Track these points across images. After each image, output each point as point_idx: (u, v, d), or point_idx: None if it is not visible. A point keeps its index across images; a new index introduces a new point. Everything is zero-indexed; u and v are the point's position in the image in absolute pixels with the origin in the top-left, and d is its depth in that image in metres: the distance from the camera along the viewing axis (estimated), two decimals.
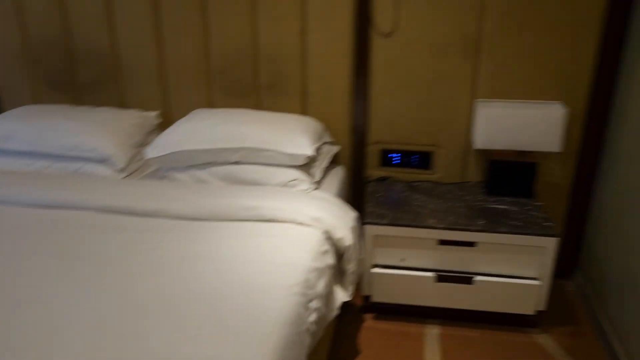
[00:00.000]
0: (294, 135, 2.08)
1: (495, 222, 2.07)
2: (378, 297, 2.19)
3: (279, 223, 1.80)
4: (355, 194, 2.52)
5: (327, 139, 2.36)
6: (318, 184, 2.17)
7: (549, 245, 2.01)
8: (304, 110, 2.42)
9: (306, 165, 2.11)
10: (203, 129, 2.14)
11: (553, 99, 2.23)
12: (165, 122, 2.52)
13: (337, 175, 2.34)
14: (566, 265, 2.48)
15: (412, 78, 2.30)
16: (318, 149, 2.23)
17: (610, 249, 2.13)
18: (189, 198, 1.91)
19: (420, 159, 2.43)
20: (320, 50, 2.31)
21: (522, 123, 2.12)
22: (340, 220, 1.88)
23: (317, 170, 2.16)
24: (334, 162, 2.48)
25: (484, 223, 2.06)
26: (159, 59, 2.47)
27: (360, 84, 2.33)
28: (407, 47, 2.26)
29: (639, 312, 1.83)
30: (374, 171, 2.50)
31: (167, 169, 2.17)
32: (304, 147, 2.05)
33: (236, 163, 2.11)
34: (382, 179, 2.47)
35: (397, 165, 2.46)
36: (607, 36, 2.11)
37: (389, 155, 2.45)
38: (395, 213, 2.15)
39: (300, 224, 1.80)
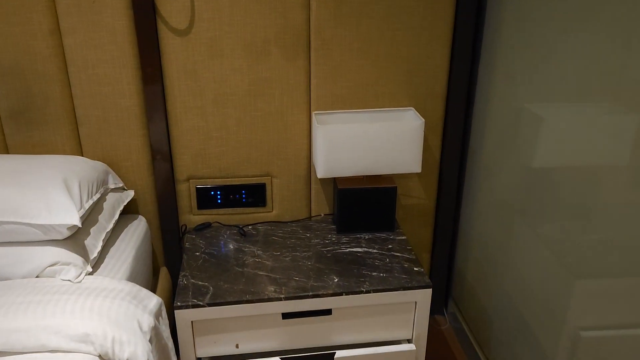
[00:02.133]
0: (50, 193, 1.35)
1: (351, 277, 1.55)
2: None
3: (15, 356, 1.08)
4: (167, 256, 1.86)
5: (114, 183, 1.66)
6: (97, 261, 1.46)
7: (422, 298, 1.55)
8: (76, 146, 1.68)
9: (74, 238, 1.39)
10: None
11: (405, 105, 1.77)
12: None
13: (134, 234, 1.65)
14: (437, 300, 2.08)
15: (226, 89, 1.68)
16: (95, 205, 1.52)
17: (480, 273, 1.75)
18: None
19: (251, 194, 1.84)
20: (87, 56, 1.59)
21: (372, 141, 1.63)
22: (129, 323, 1.21)
23: (95, 241, 1.45)
24: (130, 211, 1.78)
25: (338, 282, 1.53)
26: None
27: (153, 101, 1.65)
28: (213, 47, 1.63)
29: (515, 344, 1.45)
30: (191, 217, 1.85)
31: None
32: (65, 211, 1.32)
33: None
34: (203, 227, 1.83)
35: (221, 205, 1.84)
36: (459, 26, 1.68)
37: (210, 194, 1.82)
38: (221, 282, 1.53)
39: (55, 351, 1.10)
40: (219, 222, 1.86)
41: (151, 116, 1.67)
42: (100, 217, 1.52)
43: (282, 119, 1.74)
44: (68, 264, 1.33)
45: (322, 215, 1.90)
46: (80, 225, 1.32)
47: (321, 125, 1.61)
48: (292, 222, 1.88)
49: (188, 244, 1.75)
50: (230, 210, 1.85)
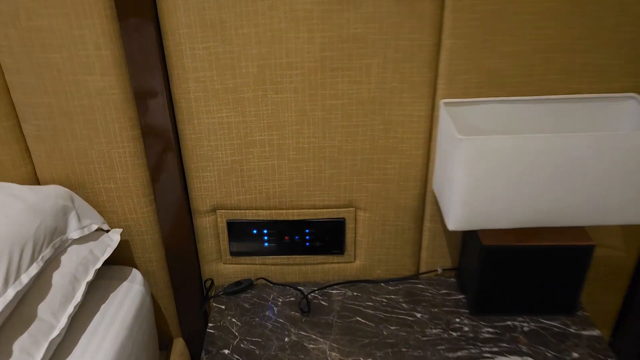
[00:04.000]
0: None
1: None
2: None
3: None
4: (184, 323, 1.15)
5: (79, 228, 0.93)
6: (64, 343, 0.77)
7: None
8: (20, 160, 0.96)
9: (7, 331, 0.69)
10: None
11: (622, 90, 0.92)
12: None
13: (126, 296, 0.96)
14: None
15: (279, 56, 0.89)
16: (47, 266, 0.82)
17: None
18: None
19: (320, 235, 1.08)
20: None
21: (567, 165, 0.81)
22: None
23: (52, 321, 0.76)
24: (120, 260, 1.07)
25: None
26: None
27: (146, 77, 0.89)
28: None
29: None
30: (220, 267, 1.12)
31: None
32: None
33: None
34: (239, 287, 1.10)
35: (269, 251, 1.10)
36: None
37: (251, 232, 1.08)
38: None
39: None
40: (265, 279, 1.12)
41: (144, 103, 0.91)
42: (59, 283, 0.82)
43: (380, 111, 0.94)
44: None
45: (440, 271, 1.11)
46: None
47: (464, 137, 0.80)
48: (387, 281, 1.11)
49: (215, 314, 1.03)
50: (284, 259, 1.11)
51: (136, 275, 1.04)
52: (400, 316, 1.02)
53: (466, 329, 0.99)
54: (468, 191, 0.83)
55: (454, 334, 0.98)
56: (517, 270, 0.96)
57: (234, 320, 1.03)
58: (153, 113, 0.92)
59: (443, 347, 0.95)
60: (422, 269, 1.12)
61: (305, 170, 1.00)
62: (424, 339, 0.97)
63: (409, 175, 1.00)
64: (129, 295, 1.00)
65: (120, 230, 1.01)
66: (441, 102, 0.92)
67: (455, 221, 0.87)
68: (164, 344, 1.18)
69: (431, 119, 0.95)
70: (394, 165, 0.99)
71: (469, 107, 0.93)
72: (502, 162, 0.81)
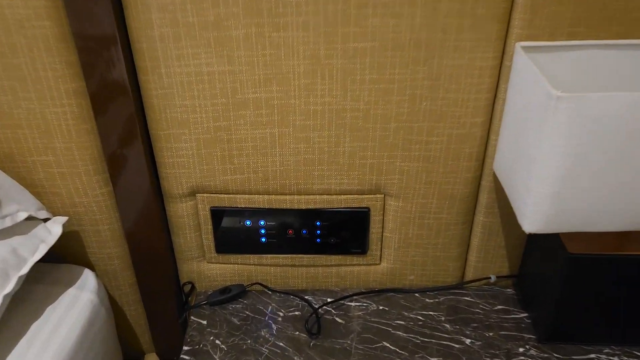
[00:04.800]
0: None
1: None
2: None
3: None
4: (156, 335, 0.89)
5: (22, 207, 0.67)
6: None
7: None
8: None
9: None
10: None
11: None
12: None
13: (75, 303, 0.72)
14: None
15: None
16: None
17: None
18: None
19: (336, 229, 0.81)
20: None
21: None
22: None
23: None
24: (68, 258, 0.81)
25: None
26: None
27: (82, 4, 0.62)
28: None
29: None
30: (204, 267, 0.86)
31: None
32: None
33: None
34: (226, 296, 0.83)
35: (267, 248, 0.83)
36: None
37: (242, 224, 0.81)
38: None
39: None
40: (262, 285, 0.85)
41: (87, 42, 0.63)
42: None
43: (426, 60, 0.65)
44: None
45: (493, 279, 0.84)
46: None
47: (565, 94, 0.51)
48: (424, 290, 0.84)
49: (194, 333, 0.77)
50: (287, 259, 0.84)
51: (88, 279, 0.78)
52: (443, 342, 0.76)
53: None
54: (562, 177, 0.55)
55: None
56: (611, 287, 0.69)
57: (217, 342, 0.77)
58: (101, 57, 0.64)
59: None
60: (469, 275, 0.85)
61: (317, 142, 0.72)
62: None
63: (461, 151, 0.72)
64: (80, 297, 0.75)
65: (64, 219, 0.74)
66: (517, 46, 0.63)
67: (535, 220, 0.59)
68: None
69: (499, 72, 0.67)
70: (442, 138, 0.71)
71: (556, 54, 0.64)
72: (620, 134, 0.53)
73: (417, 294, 0.84)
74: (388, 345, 0.75)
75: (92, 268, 0.82)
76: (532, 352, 0.74)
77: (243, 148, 0.73)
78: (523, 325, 0.78)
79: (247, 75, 0.67)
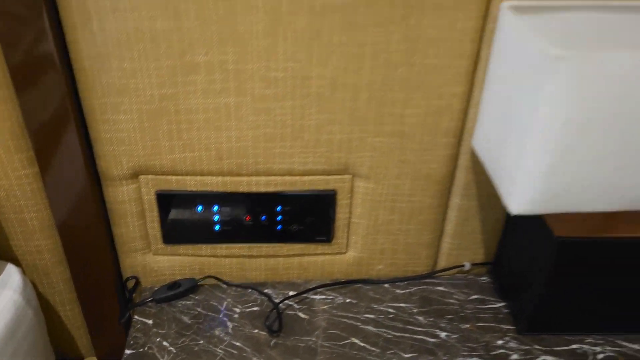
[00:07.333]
0: None
1: None
2: None
3: None
4: (96, 337, 0.79)
5: None
6: None
7: None
8: None
9: None
10: None
11: None
12: None
13: None
14: None
15: None
16: None
17: None
18: None
19: (299, 215, 0.73)
20: None
21: None
22: None
23: None
24: None
25: None
26: None
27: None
28: None
29: None
30: (149, 260, 0.76)
31: None
32: None
33: None
34: (176, 292, 0.74)
35: (221, 237, 0.74)
36: None
37: (192, 211, 0.71)
38: None
39: None
40: (216, 278, 0.76)
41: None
42: None
43: (402, 20, 0.58)
44: None
45: (467, 266, 0.78)
46: None
47: (567, 53, 0.45)
48: (394, 281, 0.77)
49: (137, 334, 0.68)
50: (244, 248, 0.75)
51: (11, 276, 0.67)
52: (417, 336, 0.69)
53: (515, 356, 0.66)
54: (561, 150, 0.49)
55: None
56: (600, 272, 0.64)
57: (165, 343, 0.67)
58: (15, 6, 0.53)
59: None
60: (442, 264, 0.79)
61: (279, 114, 0.63)
62: None
63: (439, 125, 0.65)
64: (2, 296, 0.64)
65: None
66: (503, 6, 0.56)
67: (525, 200, 0.53)
68: None
69: (481, 35, 0.60)
70: (418, 110, 0.64)
71: (545, 16, 0.57)
72: (627, 99, 0.47)
73: (386, 285, 0.77)
74: (357, 341, 0.68)
75: (17, 263, 0.71)
76: (512, 344, 0.68)
77: (193, 121, 0.63)
78: (501, 316, 0.72)
79: (197, 33, 0.57)
